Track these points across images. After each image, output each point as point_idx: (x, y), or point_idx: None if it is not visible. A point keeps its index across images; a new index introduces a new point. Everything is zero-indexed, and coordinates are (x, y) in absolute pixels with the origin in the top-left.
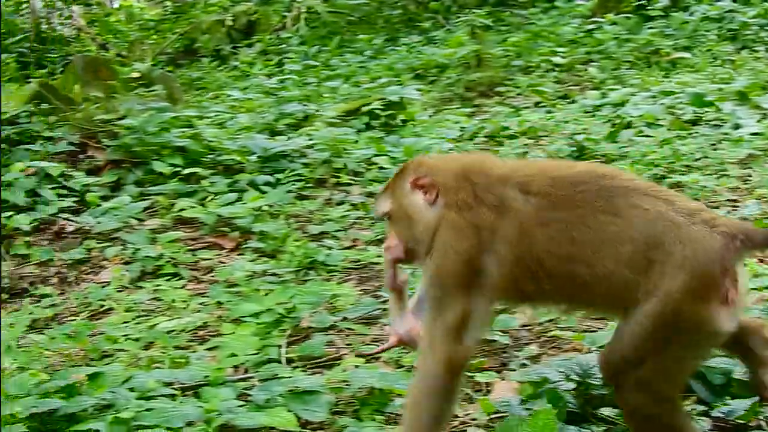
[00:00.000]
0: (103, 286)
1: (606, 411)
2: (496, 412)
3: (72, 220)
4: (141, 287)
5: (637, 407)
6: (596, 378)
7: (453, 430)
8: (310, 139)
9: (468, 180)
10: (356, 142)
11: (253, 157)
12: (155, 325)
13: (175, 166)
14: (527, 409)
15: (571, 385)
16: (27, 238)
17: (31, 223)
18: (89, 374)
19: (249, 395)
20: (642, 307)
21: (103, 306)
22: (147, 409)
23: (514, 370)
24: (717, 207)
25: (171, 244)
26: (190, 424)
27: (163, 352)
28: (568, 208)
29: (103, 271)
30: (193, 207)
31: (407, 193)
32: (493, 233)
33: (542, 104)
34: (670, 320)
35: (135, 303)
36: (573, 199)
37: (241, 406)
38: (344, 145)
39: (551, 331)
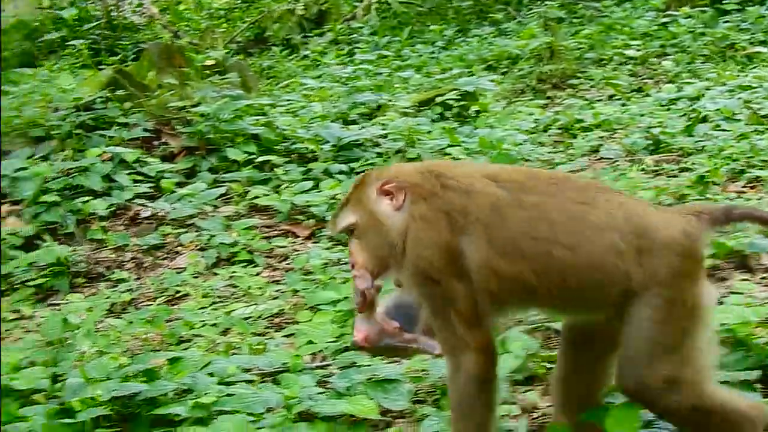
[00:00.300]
0: (179, 272)
1: None
2: None
3: (147, 206)
4: (216, 274)
5: (673, 406)
6: None
7: (534, 421)
8: (384, 129)
9: (433, 174)
10: (429, 132)
11: (327, 146)
12: (232, 311)
13: (249, 153)
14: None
15: None
16: (103, 223)
17: (107, 209)
18: (169, 359)
19: (328, 383)
20: (642, 302)
21: (179, 292)
22: (227, 395)
23: None
24: None
25: (246, 231)
26: (270, 410)
27: (241, 339)
28: (542, 194)
29: (178, 257)
30: (267, 195)
31: (374, 201)
32: (465, 215)
33: (616, 97)
34: (672, 306)
35: (211, 289)
36: (546, 189)
37: (320, 393)
38: (418, 135)
39: None
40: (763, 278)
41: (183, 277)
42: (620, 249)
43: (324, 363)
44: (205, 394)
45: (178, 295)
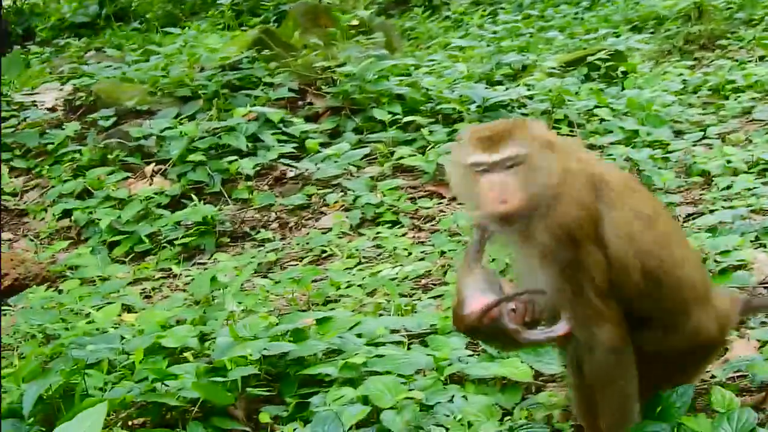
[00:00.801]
0: (324, 232)
1: None
2: (737, 371)
3: (292, 166)
4: (362, 234)
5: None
6: None
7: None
8: (529, 90)
9: (567, 143)
10: (577, 93)
11: (473, 107)
12: (378, 272)
13: (393, 114)
14: None
15: None
16: (249, 183)
17: (253, 168)
18: (318, 319)
19: (477, 345)
20: (670, 330)
21: (324, 252)
22: (377, 356)
23: (754, 327)
24: None
25: (391, 191)
26: (419, 371)
27: (388, 300)
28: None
29: (323, 217)
30: (413, 155)
31: (542, 144)
32: (605, 183)
33: (767, 58)
34: (698, 350)
35: (356, 250)
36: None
37: (470, 356)
38: (566, 95)
39: None
40: None
41: (328, 238)
42: (696, 289)
43: None
44: (355, 354)
45: (323, 256)
